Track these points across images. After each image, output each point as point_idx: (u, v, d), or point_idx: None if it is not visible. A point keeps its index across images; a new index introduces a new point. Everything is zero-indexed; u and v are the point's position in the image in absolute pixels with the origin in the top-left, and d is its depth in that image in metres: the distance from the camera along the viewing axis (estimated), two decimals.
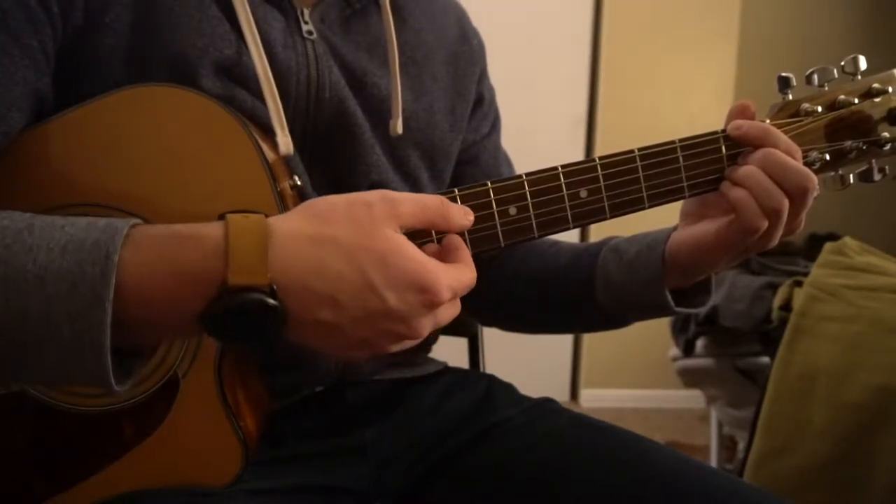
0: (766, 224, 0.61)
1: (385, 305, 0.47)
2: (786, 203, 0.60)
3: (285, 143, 0.61)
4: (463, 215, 0.54)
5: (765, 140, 0.61)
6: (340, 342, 0.48)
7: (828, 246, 1.34)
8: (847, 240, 1.33)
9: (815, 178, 0.60)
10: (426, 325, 0.49)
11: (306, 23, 0.66)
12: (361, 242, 0.47)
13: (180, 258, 0.45)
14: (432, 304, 0.48)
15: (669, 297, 0.68)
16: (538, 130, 2.69)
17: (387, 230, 0.47)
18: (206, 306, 0.44)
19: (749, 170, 0.61)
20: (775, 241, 0.63)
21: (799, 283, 1.37)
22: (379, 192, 0.49)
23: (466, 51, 0.80)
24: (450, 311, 0.51)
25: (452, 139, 0.77)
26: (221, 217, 0.46)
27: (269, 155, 0.57)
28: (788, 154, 0.61)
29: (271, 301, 0.44)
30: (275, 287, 0.45)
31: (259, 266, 0.45)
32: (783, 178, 0.60)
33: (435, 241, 0.55)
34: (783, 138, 0.62)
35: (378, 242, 0.47)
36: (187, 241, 0.45)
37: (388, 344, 0.49)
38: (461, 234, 0.56)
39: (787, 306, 1.40)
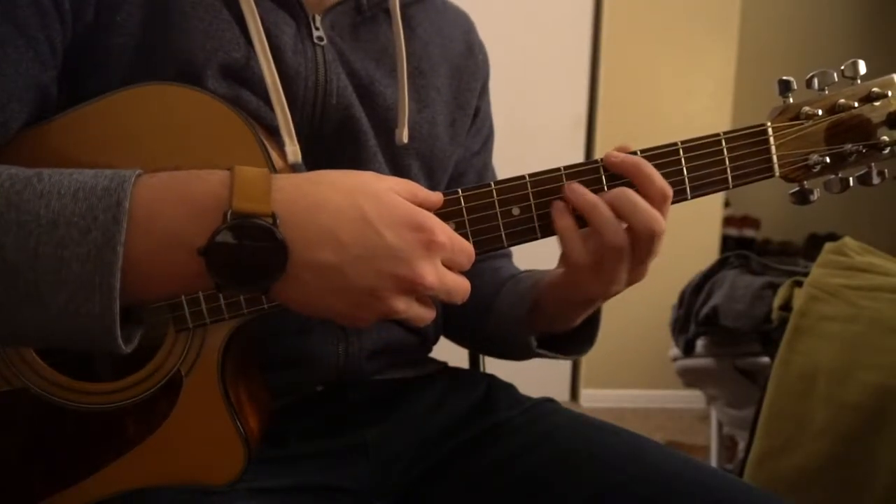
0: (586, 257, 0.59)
1: (383, 241, 0.48)
2: (624, 238, 0.58)
3: (293, 151, 0.61)
4: (433, 194, 0.56)
5: (636, 173, 0.59)
6: (345, 296, 0.49)
7: (828, 246, 1.34)
8: (847, 240, 1.33)
9: (663, 224, 0.58)
10: (428, 271, 0.49)
11: (317, 28, 0.67)
12: (356, 184, 0.50)
13: (187, 190, 0.47)
14: (429, 244, 0.49)
15: (532, 339, 0.71)
16: (538, 131, 2.69)
17: (377, 181, 0.51)
18: (210, 235, 0.46)
19: (593, 203, 0.58)
20: (618, 289, 0.62)
21: (799, 283, 1.37)
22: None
23: (471, 65, 0.80)
24: (456, 278, 0.52)
25: (451, 151, 0.78)
26: None
27: (277, 161, 0.58)
28: (659, 192, 0.59)
29: (274, 230, 0.46)
30: (277, 219, 0.46)
31: (263, 195, 0.47)
32: (631, 217, 0.58)
33: None
34: (657, 176, 0.59)
35: (371, 186, 0.50)
36: (194, 177, 0.48)
37: (394, 295, 0.49)
38: (466, 238, 0.57)
39: (787, 306, 1.40)
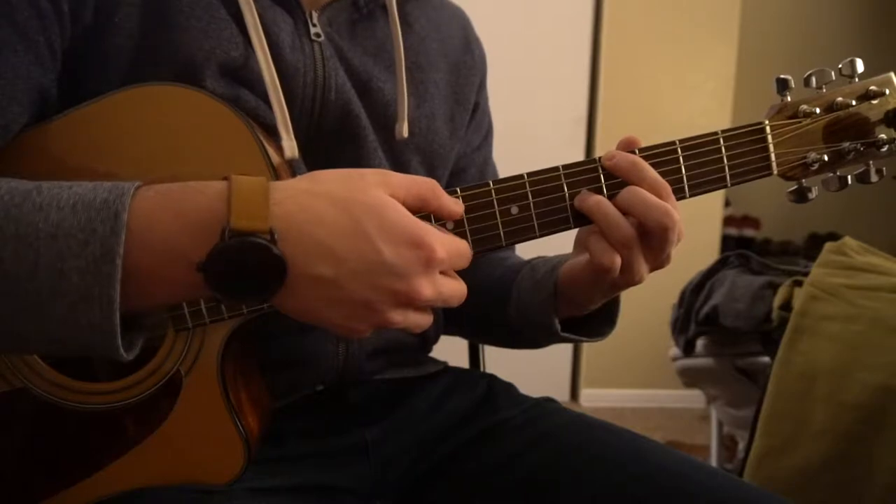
0: (617, 259, 0.59)
1: (381, 257, 0.47)
2: (632, 234, 0.59)
3: (290, 146, 0.61)
4: (454, 203, 0.55)
5: (631, 172, 0.60)
6: (341, 307, 0.49)
7: (828, 245, 1.34)
8: (847, 239, 1.34)
9: (675, 216, 0.59)
10: (425, 286, 0.49)
11: (314, 25, 0.67)
12: (355, 196, 0.48)
13: (184, 203, 0.47)
14: (428, 262, 0.49)
15: (556, 322, 0.70)
16: (538, 130, 2.70)
17: (378, 191, 0.49)
18: (208, 252, 0.45)
19: (596, 201, 0.59)
20: (641, 277, 0.62)
21: (799, 283, 1.38)
22: (372, 169, 0.52)
23: (468, 61, 0.80)
24: (452, 285, 0.52)
25: (451, 146, 0.78)
26: None
27: (274, 158, 0.58)
28: (654, 189, 0.59)
29: (272, 247, 0.46)
30: (275, 234, 0.46)
31: (261, 211, 0.46)
32: (643, 215, 0.58)
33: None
34: (650, 172, 0.60)
35: (370, 198, 0.49)
36: (191, 189, 0.47)
37: (391, 308, 0.49)
38: (464, 237, 0.57)
39: (787, 306, 1.40)
